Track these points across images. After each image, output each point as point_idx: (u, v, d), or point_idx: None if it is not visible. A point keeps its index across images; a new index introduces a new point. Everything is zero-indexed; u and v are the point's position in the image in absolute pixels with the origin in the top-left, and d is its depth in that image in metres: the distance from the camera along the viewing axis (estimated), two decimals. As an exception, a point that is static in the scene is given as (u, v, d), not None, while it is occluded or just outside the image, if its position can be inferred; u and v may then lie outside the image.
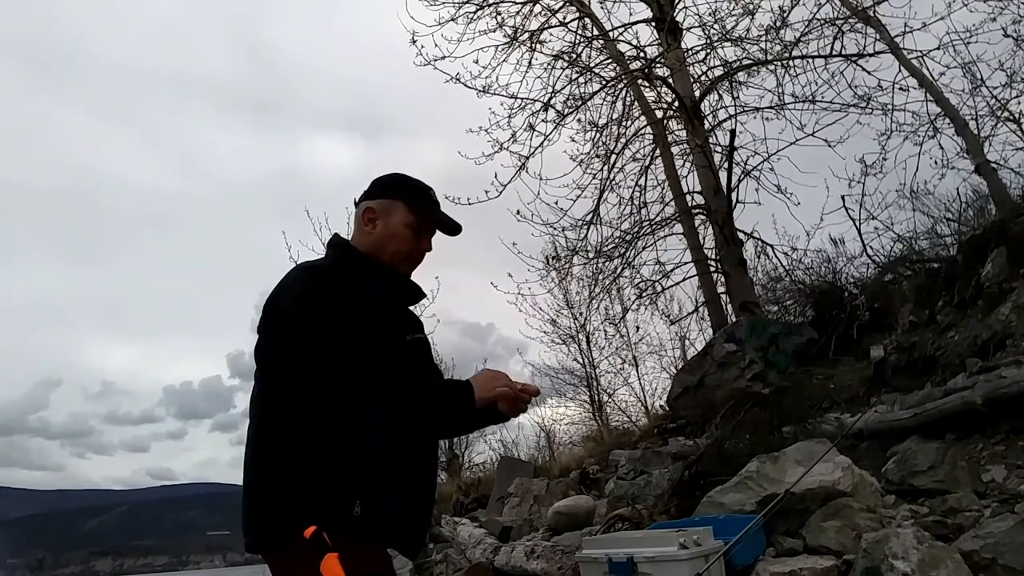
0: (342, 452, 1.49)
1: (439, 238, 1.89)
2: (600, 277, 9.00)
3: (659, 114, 8.67)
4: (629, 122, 8.81)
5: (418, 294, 1.87)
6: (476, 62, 8.43)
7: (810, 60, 7.54)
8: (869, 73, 7.30)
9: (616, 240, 8.69)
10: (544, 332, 11.81)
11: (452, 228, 1.86)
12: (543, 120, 8.44)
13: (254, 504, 1.53)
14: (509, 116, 8.52)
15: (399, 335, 1.68)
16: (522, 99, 8.49)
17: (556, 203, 8.43)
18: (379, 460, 1.51)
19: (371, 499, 1.48)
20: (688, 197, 8.55)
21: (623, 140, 8.76)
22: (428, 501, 1.69)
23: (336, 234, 1.86)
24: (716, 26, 8.18)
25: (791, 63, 7.67)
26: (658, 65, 8.53)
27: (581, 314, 11.23)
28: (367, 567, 1.45)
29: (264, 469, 1.53)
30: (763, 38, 7.81)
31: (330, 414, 1.49)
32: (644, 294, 9.01)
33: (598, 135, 8.74)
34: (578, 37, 8.82)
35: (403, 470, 1.57)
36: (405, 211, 1.78)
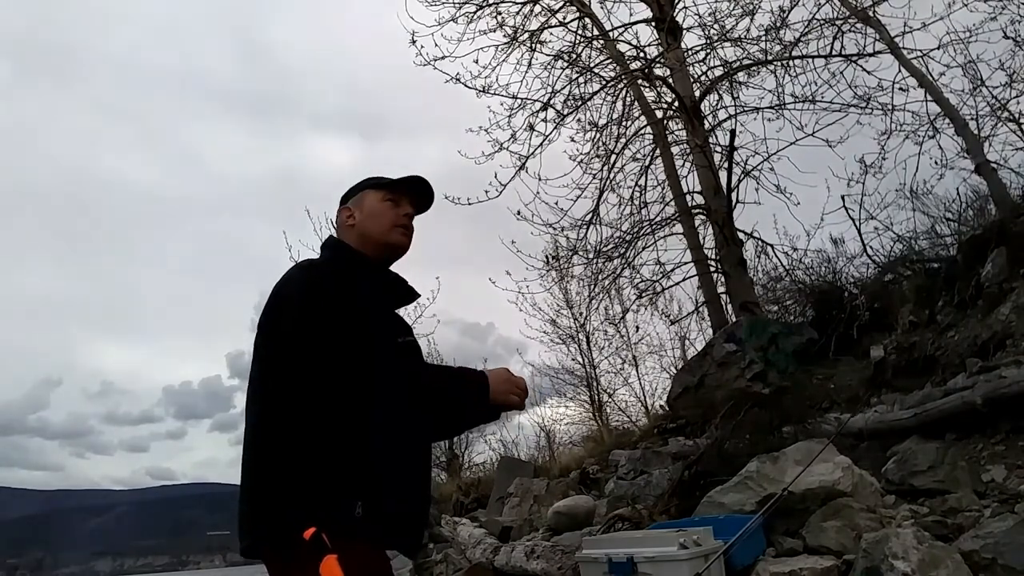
0: (341, 452, 1.48)
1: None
2: (600, 277, 9.01)
3: (659, 114, 8.68)
4: (629, 122, 8.82)
5: (411, 295, 1.89)
6: (476, 62, 8.45)
7: (810, 60, 7.54)
8: (869, 73, 7.31)
9: (616, 240, 8.70)
10: (544, 332, 11.82)
11: (418, 184, 1.90)
12: (543, 120, 8.46)
13: (252, 505, 1.52)
14: (509, 116, 8.54)
15: (394, 336, 1.69)
16: (522, 99, 8.51)
17: (556, 203, 8.45)
18: (378, 460, 1.51)
19: (371, 499, 1.47)
20: (688, 197, 8.55)
21: (623, 140, 8.77)
22: (425, 501, 1.69)
23: (331, 235, 1.90)
24: (716, 26, 8.20)
25: (791, 63, 7.67)
26: (658, 65, 8.54)
27: (581, 314, 11.24)
28: (367, 568, 1.45)
29: (262, 470, 1.52)
30: (763, 38, 7.82)
31: (329, 414, 1.48)
32: (644, 294, 9.02)
33: (598, 135, 8.75)
34: (578, 37, 8.84)
35: (402, 470, 1.57)
36: (374, 191, 1.86)
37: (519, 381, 1.68)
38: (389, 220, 1.83)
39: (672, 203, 8.64)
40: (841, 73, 7.40)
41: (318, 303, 1.55)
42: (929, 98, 6.81)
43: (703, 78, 8.60)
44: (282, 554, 1.48)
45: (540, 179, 8.29)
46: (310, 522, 1.41)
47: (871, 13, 7.02)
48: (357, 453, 1.49)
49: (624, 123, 8.76)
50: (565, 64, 8.58)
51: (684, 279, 8.73)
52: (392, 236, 1.84)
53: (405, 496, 1.58)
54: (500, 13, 8.61)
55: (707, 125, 8.40)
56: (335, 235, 1.91)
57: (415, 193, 1.90)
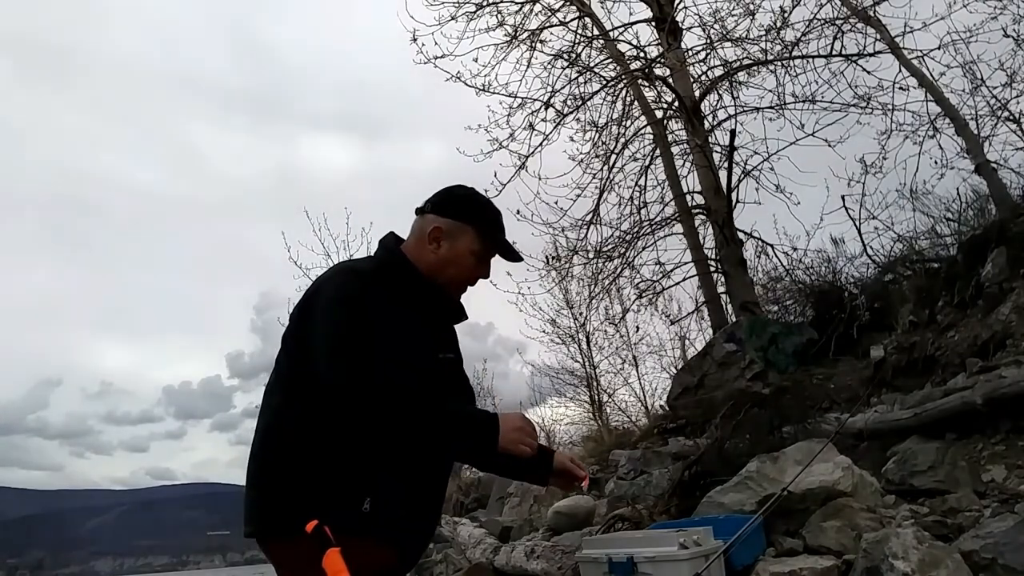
0: (356, 451, 1.48)
1: None
2: (600, 277, 9.00)
3: (659, 114, 8.67)
4: (629, 122, 8.81)
5: (460, 314, 1.83)
6: (476, 60, 8.43)
7: (810, 60, 7.53)
8: (869, 73, 7.30)
9: (616, 240, 8.70)
10: (544, 332, 11.79)
11: (515, 258, 1.82)
12: (543, 119, 8.45)
13: (260, 494, 1.52)
14: (508, 115, 8.52)
15: (430, 351, 1.67)
16: (522, 98, 8.49)
17: (556, 203, 8.44)
18: (393, 463, 1.51)
19: (381, 499, 1.48)
20: (688, 197, 8.54)
21: (623, 140, 8.76)
22: (435, 512, 1.68)
23: (392, 233, 1.81)
24: (716, 26, 8.18)
25: (791, 63, 7.66)
26: (658, 65, 8.53)
27: (581, 314, 11.21)
28: (372, 564, 1.45)
29: (274, 459, 1.53)
30: (763, 38, 7.80)
31: (349, 414, 1.47)
32: (644, 294, 9.01)
33: (598, 135, 8.74)
34: (578, 37, 8.82)
35: (416, 478, 1.57)
36: (473, 238, 1.73)
37: (531, 431, 1.57)
38: (463, 278, 1.75)
39: (672, 203, 8.63)
40: (841, 73, 7.41)
41: (352, 308, 1.53)
42: (929, 98, 6.81)
43: (703, 78, 8.59)
44: (285, 545, 1.48)
45: (540, 179, 8.30)
46: (314, 514, 1.42)
47: (871, 13, 7.02)
48: (372, 455, 1.49)
49: (624, 123, 8.76)
50: (565, 64, 8.57)
51: (684, 279, 8.74)
52: (452, 288, 1.76)
53: (417, 501, 1.57)
54: (500, 12, 8.60)
55: (707, 125, 8.39)
56: (397, 232, 1.81)
57: (505, 258, 1.81)
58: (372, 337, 1.51)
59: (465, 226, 1.73)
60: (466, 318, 1.85)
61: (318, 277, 1.68)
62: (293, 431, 1.52)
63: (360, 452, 1.48)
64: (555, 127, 8.44)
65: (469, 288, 1.82)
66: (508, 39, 8.55)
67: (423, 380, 1.55)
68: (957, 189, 7.04)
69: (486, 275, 1.80)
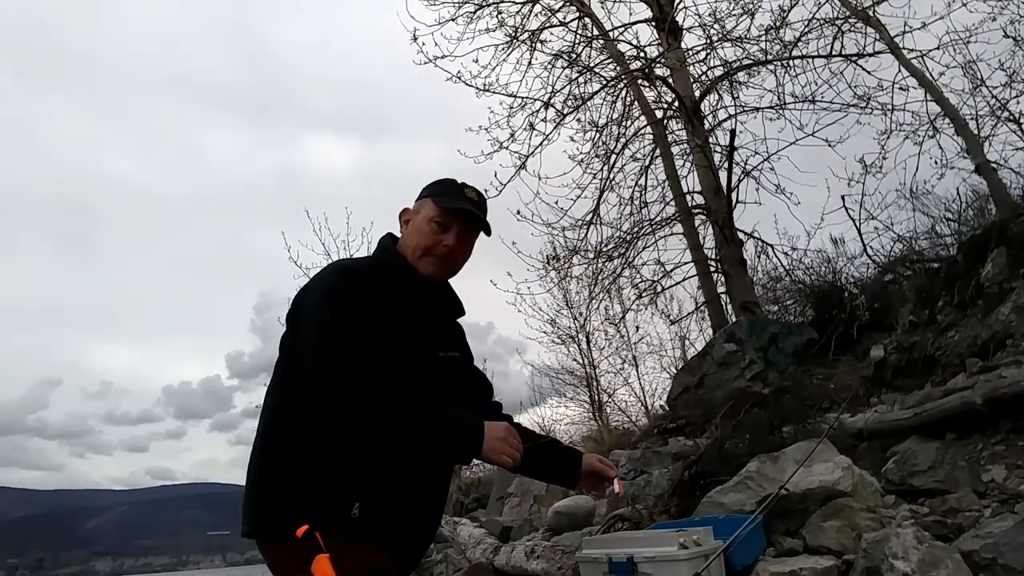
0: (348, 453, 1.49)
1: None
2: (600, 277, 9.00)
3: (659, 114, 8.68)
4: (629, 122, 8.82)
5: (457, 309, 1.86)
6: (476, 61, 8.44)
7: (810, 60, 7.54)
8: (869, 73, 7.31)
9: (616, 240, 8.71)
10: (544, 332, 11.77)
11: (470, 217, 1.77)
12: (543, 119, 8.46)
13: (258, 493, 1.53)
14: (509, 115, 8.53)
15: (426, 351, 1.68)
16: (522, 98, 8.51)
17: (556, 203, 8.46)
18: (386, 466, 1.51)
19: (371, 502, 1.48)
20: (688, 197, 8.55)
21: (623, 140, 8.77)
22: (435, 511, 1.68)
23: (389, 234, 1.86)
24: (716, 26, 8.19)
25: (791, 63, 7.67)
26: (658, 65, 8.53)
27: (581, 314, 11.21)
28: (363, 566, 1.45)
29: (272, 460, 1.54)
30: (763, 38, 7.82)
31: (340, 415, 1.48)
32: (644, 294, 9.01)
33: (598, 135, 8.75)
34: (578, 37, 8.84)
35: (412, 476, 1.57)
36: (430, 207, 1.77)
37: (515, 443, 1.59)
38: (425, 244, 1.74)
39: (672, 203, 8.65)
40: (841, 73, 7.42)
41: (340, 307, 1.54)
42: (929, 98, 6.81)
43: (703, 78, 8.60)
44: (278, 548, 1.49)
45: (540, 179, 8.31)
46: (304, 519, 1.42)
47: (871, 13, 7.02)
48: (366, 455, 1.49)
49: (624, 123, 8.76)
50: (565, 64, 8.58)
51: (684, 279, 8.75)
52: (421, 263, 1.74)
53: (413, 503, 1.57)
54: (500, 13, 8.61)
55: (707, 125, 8.40)
56: (394, 235, 1.87)
57: (469, 220, 1.79)
58: (363, 337, 1.52)
59: (423, 200, 1.81)
60: (464, 313, 1.88)
61: (311, 277, 1.69)
62: (289, 431, 1.53)
63: (353, 453, 1.49)
64: (555, 127, 8.47)
65: (457, 270, 1.82)
66: (508, 39, 8.57)
67: (416, 380, 1.55)
68: (957, 189, 7.06)
69: (452, 242, 1.75)
